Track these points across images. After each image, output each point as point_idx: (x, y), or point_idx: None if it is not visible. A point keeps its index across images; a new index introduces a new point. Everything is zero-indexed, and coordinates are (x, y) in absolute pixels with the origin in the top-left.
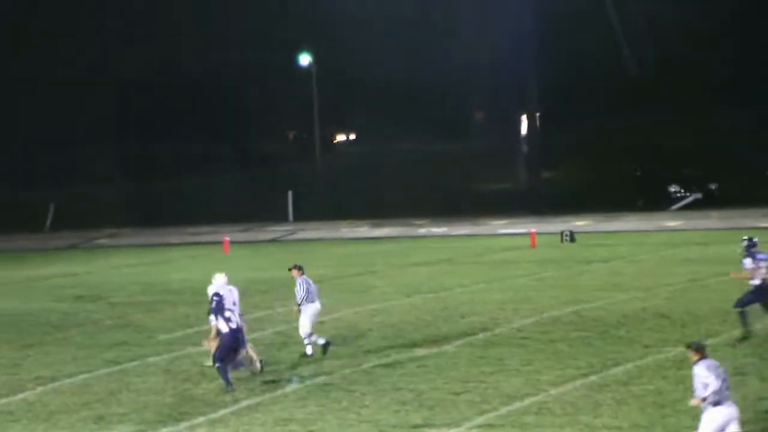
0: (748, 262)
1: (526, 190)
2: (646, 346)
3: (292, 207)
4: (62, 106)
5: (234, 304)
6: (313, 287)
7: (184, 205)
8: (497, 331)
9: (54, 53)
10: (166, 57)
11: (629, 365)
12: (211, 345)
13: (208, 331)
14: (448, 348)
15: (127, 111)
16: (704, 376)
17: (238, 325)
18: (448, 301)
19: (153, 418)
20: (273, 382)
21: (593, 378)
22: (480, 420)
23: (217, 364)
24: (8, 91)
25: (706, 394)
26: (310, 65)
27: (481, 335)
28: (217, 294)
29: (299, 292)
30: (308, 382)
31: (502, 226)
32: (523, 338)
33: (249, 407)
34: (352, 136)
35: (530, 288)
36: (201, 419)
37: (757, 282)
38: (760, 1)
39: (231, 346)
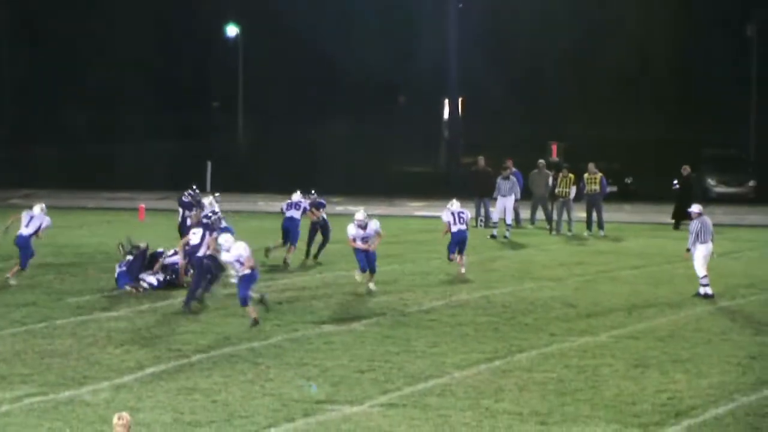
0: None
1: (445, 174)
2: (552, 335)
3: (211, 178)
4: None
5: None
6: None
7: (103, 171)
8: (406, 311)
9: None
10: (98, 23)
11: (534, 352)
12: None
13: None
14: (356, 326)
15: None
16: None
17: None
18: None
19: (56, 380)
20: (179, 350)
21: (497, 363)
22: (383, 399)
23: None
24: None
25: None
26: (237, 36)
27: (389, 315)
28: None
29: None
30: (213, 353)
31: (418, 208)
32: (431, 320)
33: (153, 374)
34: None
35: (442, 271)
36: (105, 384)
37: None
38: None
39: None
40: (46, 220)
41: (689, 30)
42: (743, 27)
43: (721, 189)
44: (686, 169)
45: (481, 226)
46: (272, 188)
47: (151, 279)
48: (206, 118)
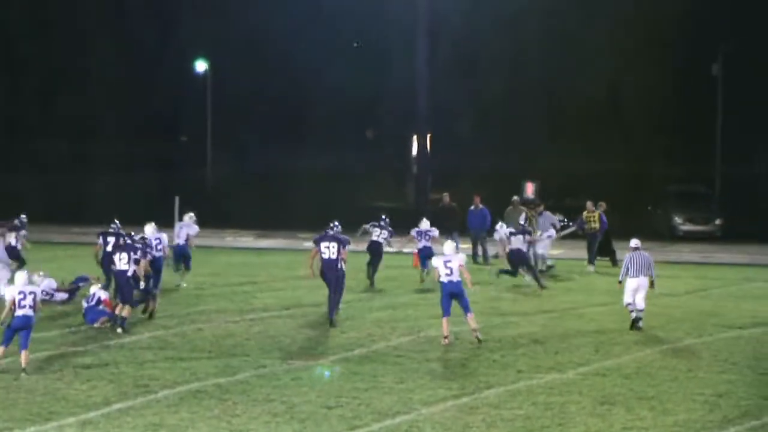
0: None
1: (413, 210)
2: (519, 371)
3: (179, 212)
4: None
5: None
6: None
7: (73, 205)
8: (374, 347)
9: None
10: (72, 52)
11: (501, 389)
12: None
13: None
14: (324, 362)
15: (25, 106)
16: None
17: None
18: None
19: (21, 416)
20: (146, 386)
21: (465, 399)
22: None
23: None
24: None
25: None
26: (206, 71)
27: (357, 351)
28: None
29: None
30: (180, 389)
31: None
32: (398, 356)
33: (120, 410)
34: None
35: (409, 307)
36: (71, 420)
37: None
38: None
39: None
40: (194, 228)
41: (657, 66)
42: (709, 64)
43: (688, 227)
44: (602, 206)
45: None
46: (241, 223)
47: (61, 295)
48: (176, 152)
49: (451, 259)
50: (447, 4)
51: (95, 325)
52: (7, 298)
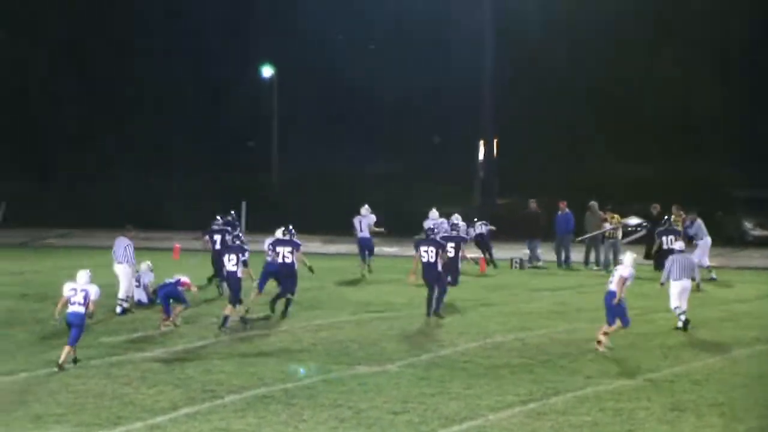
0: None
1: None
2: (587, 377)
3: (246, 217)
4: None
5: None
6: None
7: (140, 210)
8: (441, 353)
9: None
10: (137, 64)
11: (569, 395)
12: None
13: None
14: (391, 367)
15: (94, 112)
16: None
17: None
18: (394, 321)
19: (90, 420)
20: (212, 391)
21: (532, 405)
22: None
23: None
24: None
25: None
26: (272, 77)
27: (424, 357)
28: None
29: None
30: (247, 394)
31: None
32: (466, 362)
33: (187, 415)
34: None
35: (477, 312)
36: (138, 424)
37: None
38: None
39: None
40: (371, 218)
41: (726, 71)
42: None
43: (758, 232)
44: (656, 208)
45: (527, 265)
46: (308, 228)
47: (142, 293)
48: (243, 157)
49: (618, 268)
50: (516, 10)
51: (158, 331)
52: (63, 293)
